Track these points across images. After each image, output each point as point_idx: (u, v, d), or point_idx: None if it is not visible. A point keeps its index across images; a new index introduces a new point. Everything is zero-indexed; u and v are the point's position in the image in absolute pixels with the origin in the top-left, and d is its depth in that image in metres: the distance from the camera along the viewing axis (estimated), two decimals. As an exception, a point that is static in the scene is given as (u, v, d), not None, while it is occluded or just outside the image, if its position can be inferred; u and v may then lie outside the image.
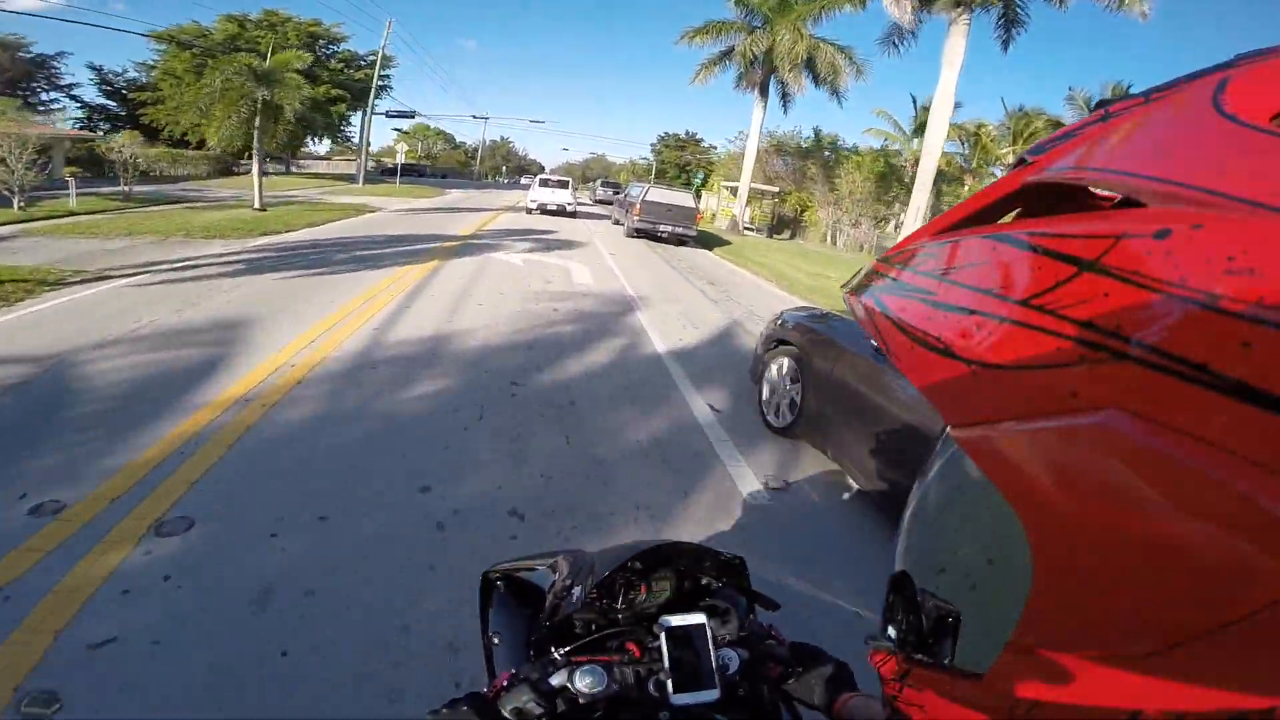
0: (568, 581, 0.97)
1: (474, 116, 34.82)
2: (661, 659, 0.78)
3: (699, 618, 0.81)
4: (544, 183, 20.43)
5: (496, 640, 1.03)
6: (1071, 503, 0.30)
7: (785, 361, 4.10)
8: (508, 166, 69.08)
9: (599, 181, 37.67)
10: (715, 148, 51.64)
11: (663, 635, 0.79)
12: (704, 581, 0.95)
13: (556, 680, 0.75)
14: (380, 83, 32.58)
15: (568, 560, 1.06)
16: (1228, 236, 0.26)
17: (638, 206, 17.64)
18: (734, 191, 25.40)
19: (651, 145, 53.92)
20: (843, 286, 0.55)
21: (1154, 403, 0.26)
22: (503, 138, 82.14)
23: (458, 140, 78.96)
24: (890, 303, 0.45)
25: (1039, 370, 0.31)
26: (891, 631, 0.48)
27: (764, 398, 4.27)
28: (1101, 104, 0.39)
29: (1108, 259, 0.29)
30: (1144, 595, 0.28)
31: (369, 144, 28.53)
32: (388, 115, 33.18)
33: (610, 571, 0.88)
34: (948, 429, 0.41)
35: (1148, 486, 0.27)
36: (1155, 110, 0.35)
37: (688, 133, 52.07)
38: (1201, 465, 0.25)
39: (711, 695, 0.76)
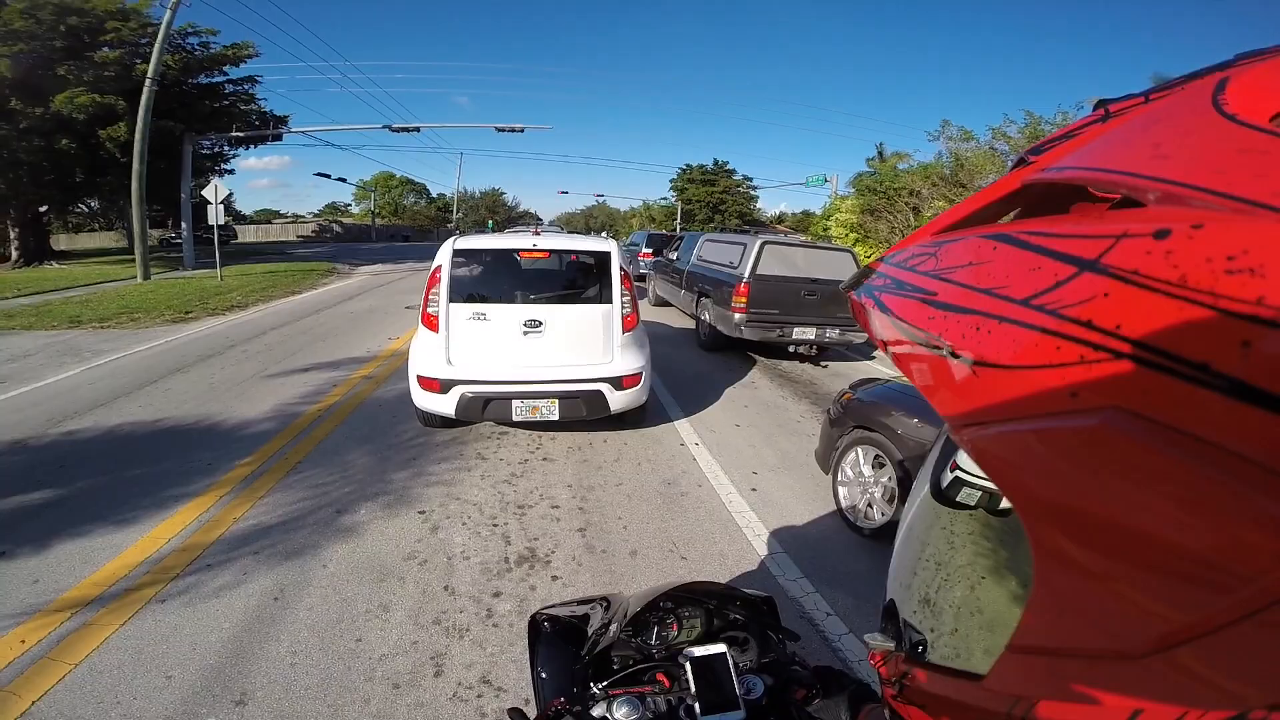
0: (607, 620, 1.11)
1: (390, 129, 22.86)
2: (689, 686, 0.92)
3: (720, 647, 0.97)
4: (463, 265, 4.45)
5: (544, 675, 1.14)
6: (1072, 503, 0.31)
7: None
8: (495, 220, 60.47)
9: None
10: (750, 179, 42.51)
11: (687, 664, 0.94)
12: (732, 618, 1.10)
13: (597, 712, 0.90)
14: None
15: (607, 602, 1.22)
16: (1228, 236, 0.26)
17: (742, 287, 7.37)
18: None
19: (671, 181, 44.69)
20: (842, 286, 0.57)
21: (1154, 403, 0.27)
22: (494, 188, 73.72)
23: (434, 193, 70.88)
24: (890, 302, 0.47)
25: (1039, 370, 0.32)
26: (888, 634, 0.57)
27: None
28: (1101, 103, 0.41)
29: (1108, 259, 0.30)
30: (1145, 595, 0.29)
31: (142, 197, 14.13)
32: (230, 143, 21.81)
33: (641, 609, 1.04)
34: (946, 432, 0.45)
35: (1148, 486, 0.28)
36: (1155, 110, 0.36)
37: (716, 162, 42.95)
38: (1202, 465, 0.26)
39: (736, 716, 0.89)
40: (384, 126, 22.75)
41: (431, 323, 4.28)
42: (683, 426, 5.21)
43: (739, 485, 4.12)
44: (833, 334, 7.71)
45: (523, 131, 22.80)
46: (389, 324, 9.32)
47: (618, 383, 4.38)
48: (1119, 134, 0.37)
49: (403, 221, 60.15)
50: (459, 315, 4.28)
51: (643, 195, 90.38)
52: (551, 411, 4.26)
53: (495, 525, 3.42)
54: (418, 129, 23.53)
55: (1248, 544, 0.25)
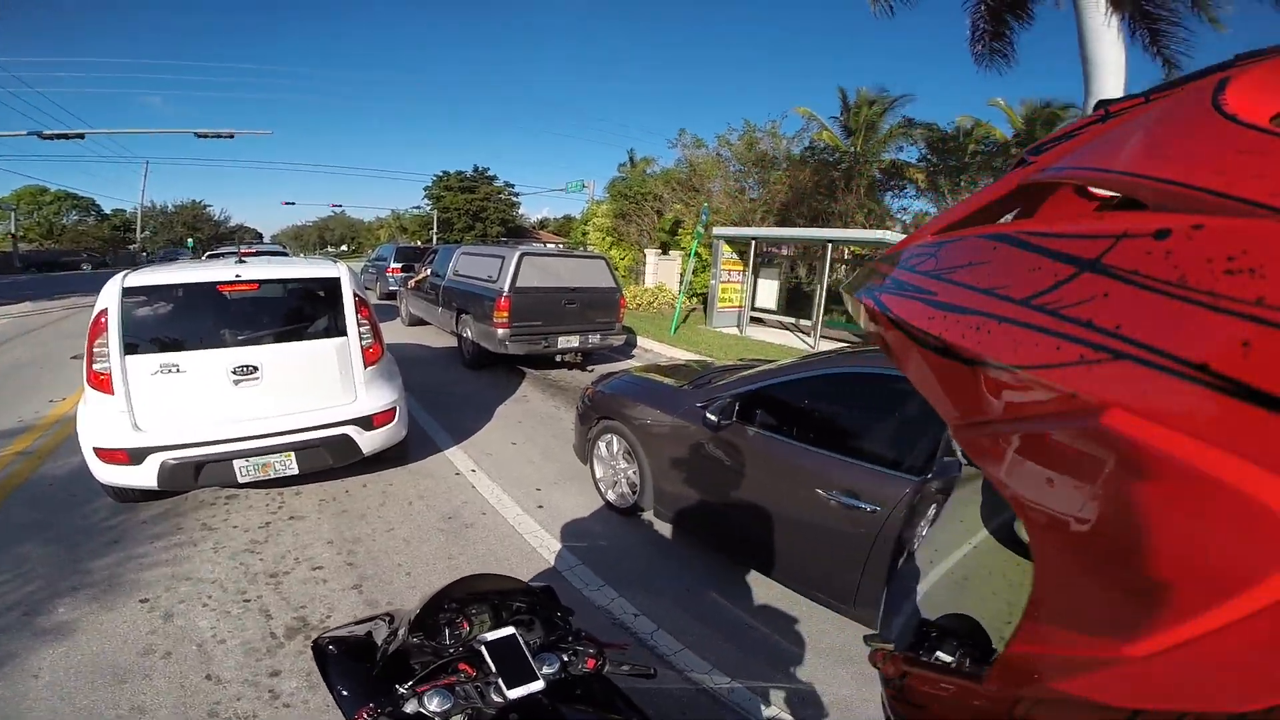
0: (394, 629, 1.23)
1: (41, 135, 17.06)
2: (490, 669, 1.06)
3: (508, 630, 1.12)
4: None
5: (344, 692, 1.18)
6: (1072, 503, 0.32)
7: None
8: (197, 239, 50.54)
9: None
10: (513, 186, 42.50)
11: (483, 648, 1.08)
12: (515, 606, 1.25)
13: (410, 708, 0.98)
14: None
15: (391, 616, 1.34)
16: (1228, 237, 0.27)
17: (503, 301, 7.41)
18: (740, 248, 13.45)
19: (425, 189, 42.28)
20: (843, 287, 0.59)
21: (1154, 403, 0.27)
22: (195, 200, 61.22)
23: (109, 208, 56.82)
24: (891, 303, 0.47)
25: (1039, 370, 0.32)
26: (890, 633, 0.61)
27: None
28: (1102, 104, 0.41)
29: (1108, 259, 0.31)
30: (1145, 595, 0.29)
31: None
32: None
33: (424, 610, 1.16)
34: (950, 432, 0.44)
35: (1148, 486, 0.28)
36: (1155, 110, 0.37)
37: (477, 169, 41.65)
38: (1201, 465, 0.26)
39: (538, 685, 1.05)
40: (32, 134, 17.72)
41: (102, 383, 3.48)
42: (455, 454, 5.08)
43: (525, 505, 4.17)
44: (594, 339, 8.20)
45: (233, 137, 19.62)
46: (50, 382, 7.28)
47: (367, 423, 4.04)
48: (1119, 134, 0.38)
49: (61, 245, 47.30)
50: (141, 370, 3.54)
51: (392, 204, 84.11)
52: (289, 466, 3.79)
53: (247, 600, 3.03)
54: (81, 135, 18.79)
55: (1247, 544, 0.25)
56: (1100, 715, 0.32)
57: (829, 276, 11.24)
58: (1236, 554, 0.25)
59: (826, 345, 9.72)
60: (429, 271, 10.26)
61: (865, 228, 14.52)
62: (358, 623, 1.38)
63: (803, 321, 12.93)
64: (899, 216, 17.46)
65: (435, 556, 3.49)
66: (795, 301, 14.02)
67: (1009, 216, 0.44)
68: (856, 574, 2.69)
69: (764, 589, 3.34)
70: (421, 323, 11.07)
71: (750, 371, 3.57)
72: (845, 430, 3.06)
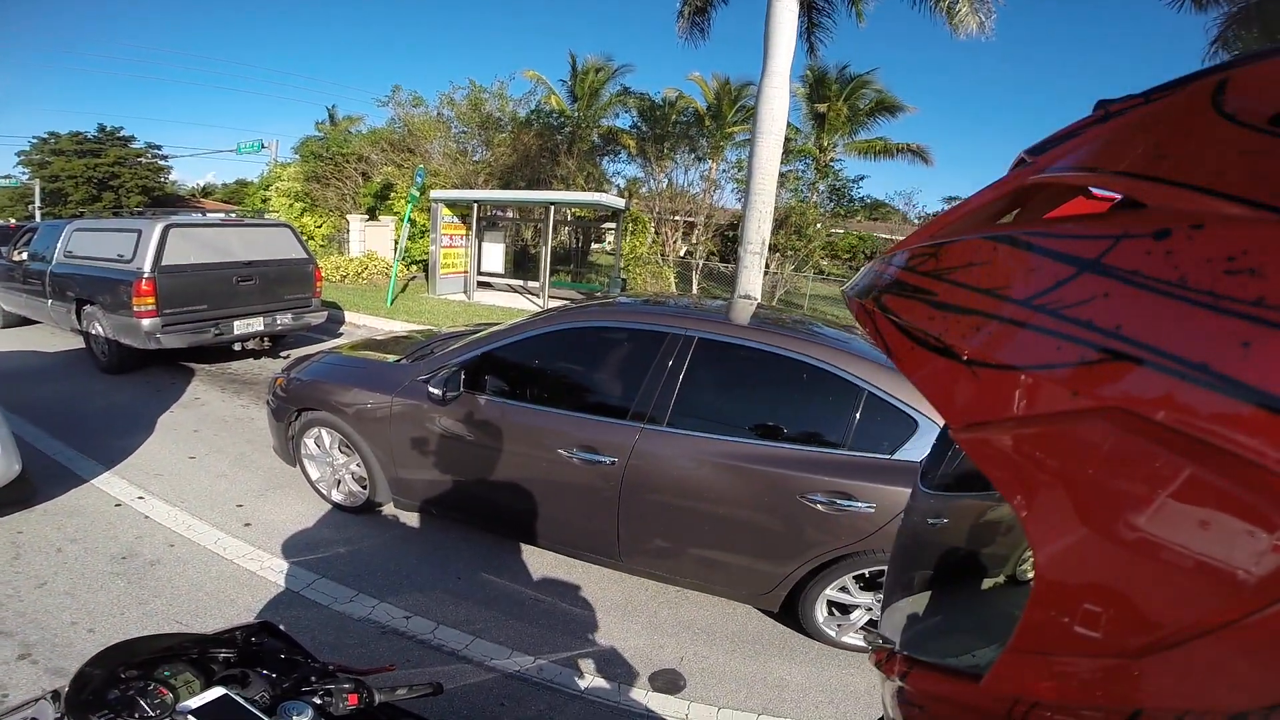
0: (59, 714, 1.01)
1: None
2: None
3: (216, 691, 0.95)
4: None
5: None
6: (1071, 504, 0.32)
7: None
8: None
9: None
10: (159, 147, 34.30)
11: (189, 719, 0.88)
12: (223, 658, 1.07)
13: None
14: None
15: (57, 694, 1.08)
16: (1228, 237, 0.27)
17: (144, 284, 5.94)
18: (462, 212, 12.81)
19: (21, 155, 31.43)
20: (844, 289, 0.59)
21: (1154, 403, 0.28)
22: None
23: None
24: (891, 303, 0.47)
25: (1039, 370, 0.33)
26: (891, 632, 0.58)
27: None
28: (1102, 103, 0.41)
29: (1108, 259, 0.31)
30: (1144, 595, 0.29)
31: None
32: None
33: (73, 687, 0.96)
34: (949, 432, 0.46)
35: (1148, 487, 0.28)
36: (1155, 110, 0.37)
37: (104, 129, 32.17)
38: (1201, 466, 0.26)
39: None
40: None
41: None
42: (110, 482, 3.95)
43: (227, 526, 3.47)
44: (285, 319, 7.06)
45: None
46: None
47: None
48: (1119, 134, 0.38)
49: None
50: None
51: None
52: None
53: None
54: None
55: (1246, 545, 0.25)
56: (1100, 715, 0.32)
57: (553, 238, 11.41)
58: (1235, 553, 0.26)
59: (556, 305, 9.94)
60: (24, 256, 7.75)
61: (584, 190, 15.05)
62: (12, 711, 1.15)
63: (531, 283, 12.99)
64: (614, 180, 18.55)
65: (119, 605, 2.78)
66: (522, 264, 14.11)
67: (1010, 216, 0.45)
68: (613, 527, 2.76)
69: (536, 559, 3.27)
70: (27, 322, 8.40)
71: (475, 336, 3.35)
72: (576, 386, 3.08)
